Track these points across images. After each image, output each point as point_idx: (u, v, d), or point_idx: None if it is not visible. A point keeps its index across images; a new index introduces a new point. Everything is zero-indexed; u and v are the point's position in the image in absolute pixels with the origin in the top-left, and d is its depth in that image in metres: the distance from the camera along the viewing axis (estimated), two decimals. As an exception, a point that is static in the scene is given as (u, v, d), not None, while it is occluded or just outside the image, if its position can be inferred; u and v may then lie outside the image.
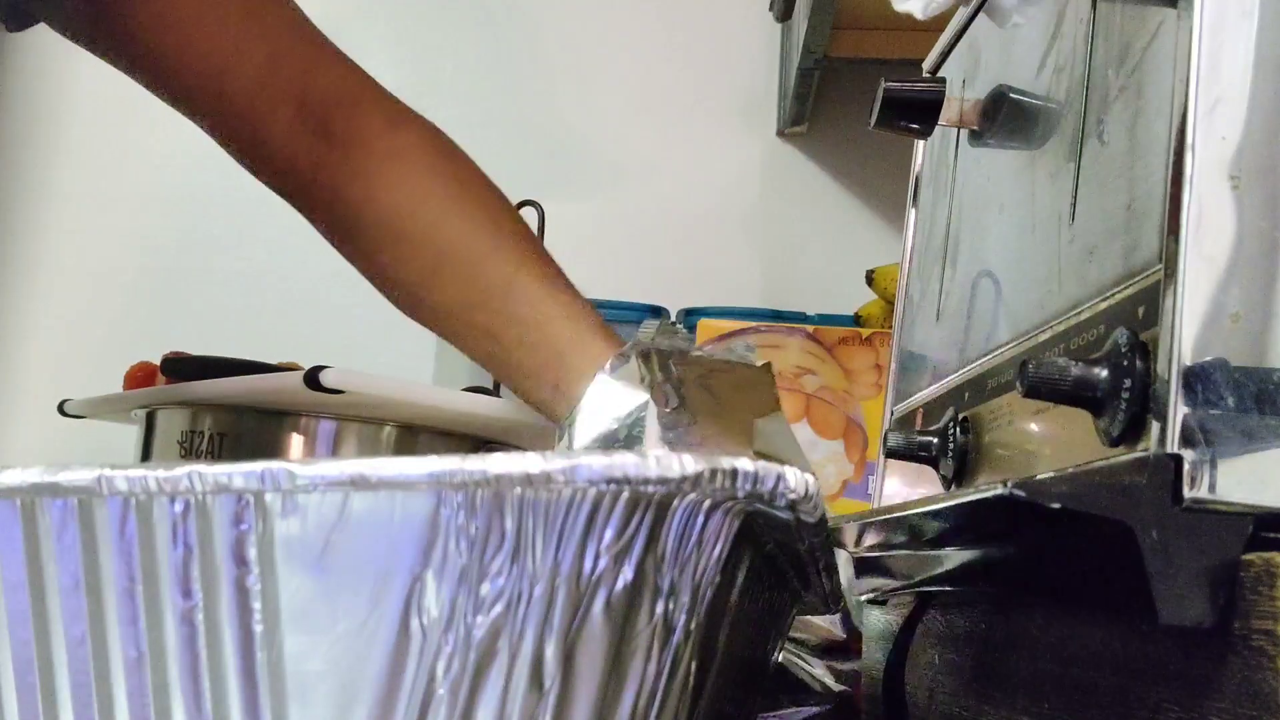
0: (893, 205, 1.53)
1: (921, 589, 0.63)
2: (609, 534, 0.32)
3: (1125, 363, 0.39)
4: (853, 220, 1.60)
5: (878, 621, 0.71)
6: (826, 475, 1.25)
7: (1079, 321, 0.44)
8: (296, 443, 1.03)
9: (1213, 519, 0.36)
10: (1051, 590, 0.48)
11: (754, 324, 1.29)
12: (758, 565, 0.40)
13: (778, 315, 1.34)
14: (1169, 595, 0.36)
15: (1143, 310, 0.39)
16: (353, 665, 0.33)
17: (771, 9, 1.60)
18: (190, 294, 1.65)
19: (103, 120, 1.66)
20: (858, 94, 1.33)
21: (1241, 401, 0.37)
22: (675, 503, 0.32)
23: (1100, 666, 0.44)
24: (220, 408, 1.05)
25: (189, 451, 1.05)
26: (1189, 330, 0.37)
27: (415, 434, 1.05)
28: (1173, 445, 0.36)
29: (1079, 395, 0.40)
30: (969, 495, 0.41)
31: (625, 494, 0.32)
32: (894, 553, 0.58)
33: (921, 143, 0.71)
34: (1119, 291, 0.41)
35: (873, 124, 0.61)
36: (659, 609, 0.33)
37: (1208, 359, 0.37)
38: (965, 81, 0.63)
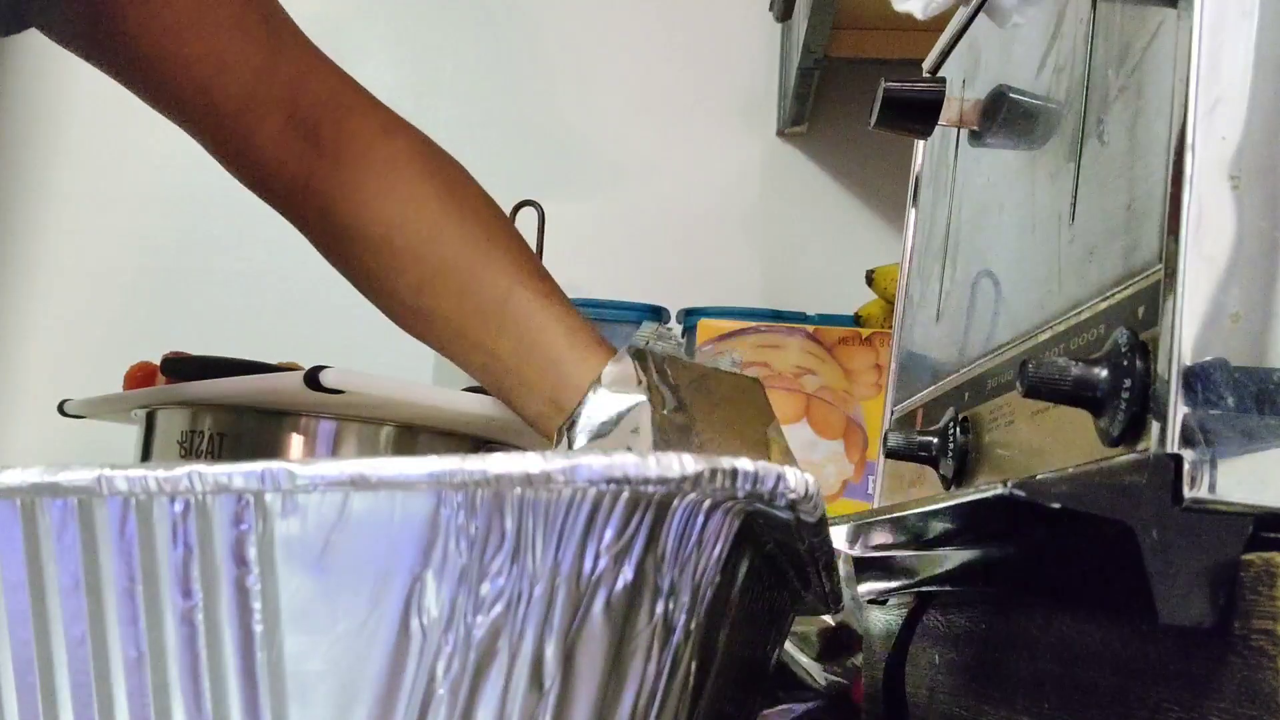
0: (893, 205, 1.53)
1: (921, 589, 0.63)
2: (609, 534, 0.32)
3: (1125, 363, 0.39)
4: (853, 220, 1.60)
5: (878, 621, 0.71)
6: (826, 475, 1.25)
7: (1079, 321, 0.44)
8: (296, 443, 1.03)
9: (1213, 519, 0.36)
10: (1051, 590, 0.48)
11: (754, 324, 1.29)
12: (758, 565, 0.40)
13: (778, 315, 1.34)
14: (1169, 595, 0.36)
15: (1143, 310, 0.39)
16: (353, 665, 0.33)
17: (771, 9, 1.60)
18: (190, 294, 1.65)
19: (102, 120, 1.66)
20: (858, 94, 1.33)
21: (1241, 401, 0.37)
22: (675, 503, 0.32)
23: (1100, 666, 0.44)
24: (220, 408, 1.05)
25: (189, 451, 1.05)
26: (1189, 330, 0.37)
27: (415, 434, 1.05)
28: (1173, 445, 0.36)
29: (1079, 395, 0.40)
30: (969, 495, 0.41)
31: (625, 494, 0.32)
32: (894, 553, 0.58)
33: (921, 143, 0.71)
34: (1119, 291, 0.41)
35: (873, 124, 0.61)
36: (659, 609, 0.33)
37: (1208, 359, 0.37)
38: (965, 81, 0.63)
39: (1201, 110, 0.38)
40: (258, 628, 0.33)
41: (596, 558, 0.32)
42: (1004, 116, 0.57)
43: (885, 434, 0.61)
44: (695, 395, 0.71)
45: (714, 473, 0.32)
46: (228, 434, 1.05)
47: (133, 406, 1.12)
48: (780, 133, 1.62)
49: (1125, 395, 0.38)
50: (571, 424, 0.72)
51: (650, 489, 0.32)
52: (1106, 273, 0.43)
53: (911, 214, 0.72)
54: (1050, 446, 0.45)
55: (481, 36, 1.67)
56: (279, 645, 0.33)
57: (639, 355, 0.71)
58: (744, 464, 0.32)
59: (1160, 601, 0.36)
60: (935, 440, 0.56)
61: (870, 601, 0.71)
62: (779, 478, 0.32)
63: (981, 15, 0.61)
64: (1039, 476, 0.39)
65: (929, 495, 0.57)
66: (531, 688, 0.33)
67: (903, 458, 0.58)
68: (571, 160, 1.64)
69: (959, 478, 0.54)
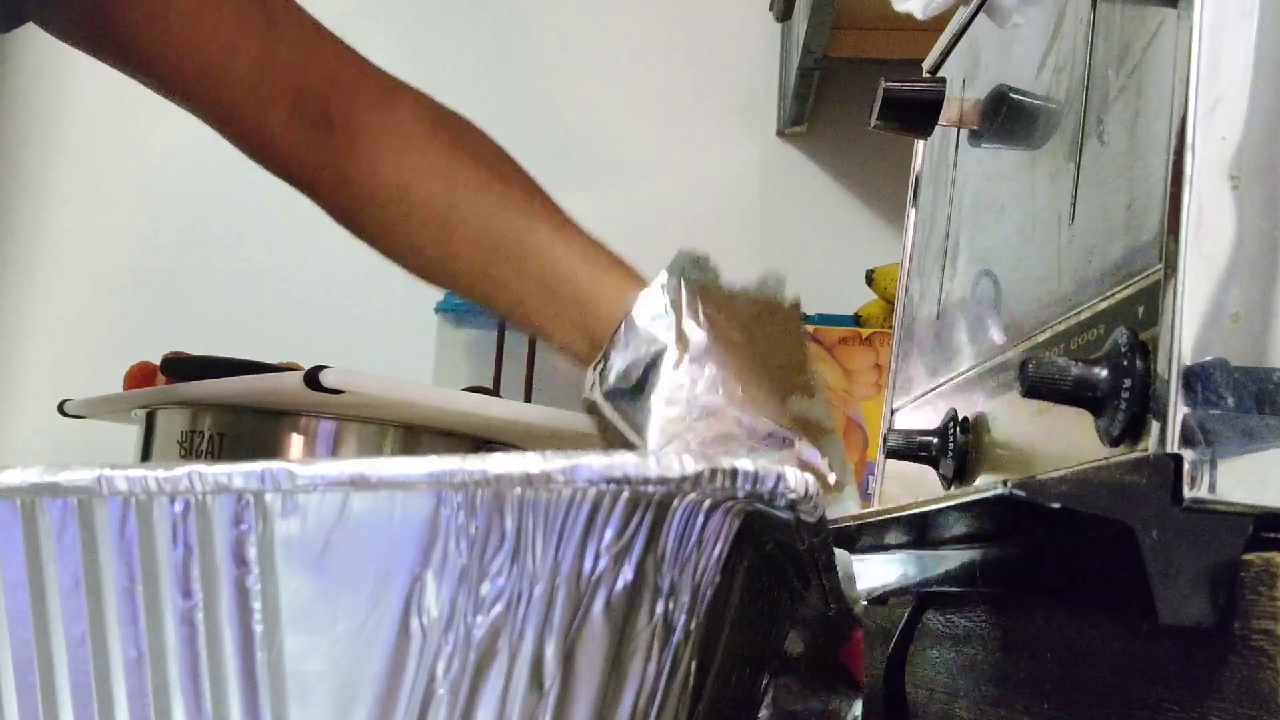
0: (893, 205, 1.53)
1: (921, 589, 0.63)
2: (609, 534, 0.32)
3: (1125, 363, 0.39)
4: (853, 220, 1.60)
5: (878, 621, 0.71)
6: (826, 475, 1.25)
7: (1079, 321, 0.44)
8: (296, 443, 1.03)
9: (1213, 519, 0.36)
10: (1051, 590, 0.48)
11: (754, 324, 1.29)
12: (758, 565, 0.40)
13: (778, 315, 1.34)
14: (1169, 595, 0.36)
15: (1143, 310, 0.39)
16: (353, 665, 0.33)
17: (771, 9, 1.60)
18: (190, 294, 1.65)
19: (102, 120, 1.66)
20: (858, 94, 1.32)
21: (1241, 401, 0.37)
22: (675, 503, 0.32)
23: (1100, 666, 0.44)
24: (220, 408, 1.05)
25: (189, 451, 1.05)
26: (1189, 330, 0.37)
27: (415, 434, 1.05)
28: (1173, 445, 0.36)
29: (1079, 395, 0.40)
30: (969, 495, 0.41)
31: (625, 494, 0.32)
32: (894, 553, 0.58)
33: (921, 143, 0.71)
34: (1119, 291, 0.41)
35: (873, 124, 0.61)
36: (659, 609, 0.33)
37: (1208, 359, 0.37)
38: (965, 81, 0.63)
39: (1201, 110, 0.38)
40: (258, 628, 0.33)
41: (596, 558, 0.32)
42: (1004, 116, 0.57)
43: (885, 434, 0.61)
44: (725, 339, 0.72)
45: (714, 473, 0.32)
46: (228, 434, 1.05)
47: (133, 406, 1.12)
48: (780, 133, 1.62)
49: (1125, 395, 0.38)
50: (604, 363, 0.74)
51: (650, 489, 0.32)
52: (1106, 273, 0.43)
53: (911, 214, 0.72)
54: (1050, 446, 0.45)
55: (481, 36, 1.68)
56: (279, 645, 0.33)
57: (673, 289, 0.73)
58: (744, 464, 0.32)
59: (1160, 601, 0.36)
60: (935, 440, 0.56)
61: (870, 601, 0.71)
62: (779, 478, 0.32)
63: (981, 15, 0.61)
64: (1039, 476, 0.39)
65: (929, 495, 0.57)
66: (531, 688, 0.33)
67: (903, 458, 0.58)
68: (571, 160, 1.64)
69: (959, 478, 0.54)
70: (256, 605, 0.33)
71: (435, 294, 1.43)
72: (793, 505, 0.33)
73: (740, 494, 0.32)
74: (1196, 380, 0.37)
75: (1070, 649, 0.47)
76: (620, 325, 0.74)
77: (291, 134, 0.81)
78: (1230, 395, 0.37)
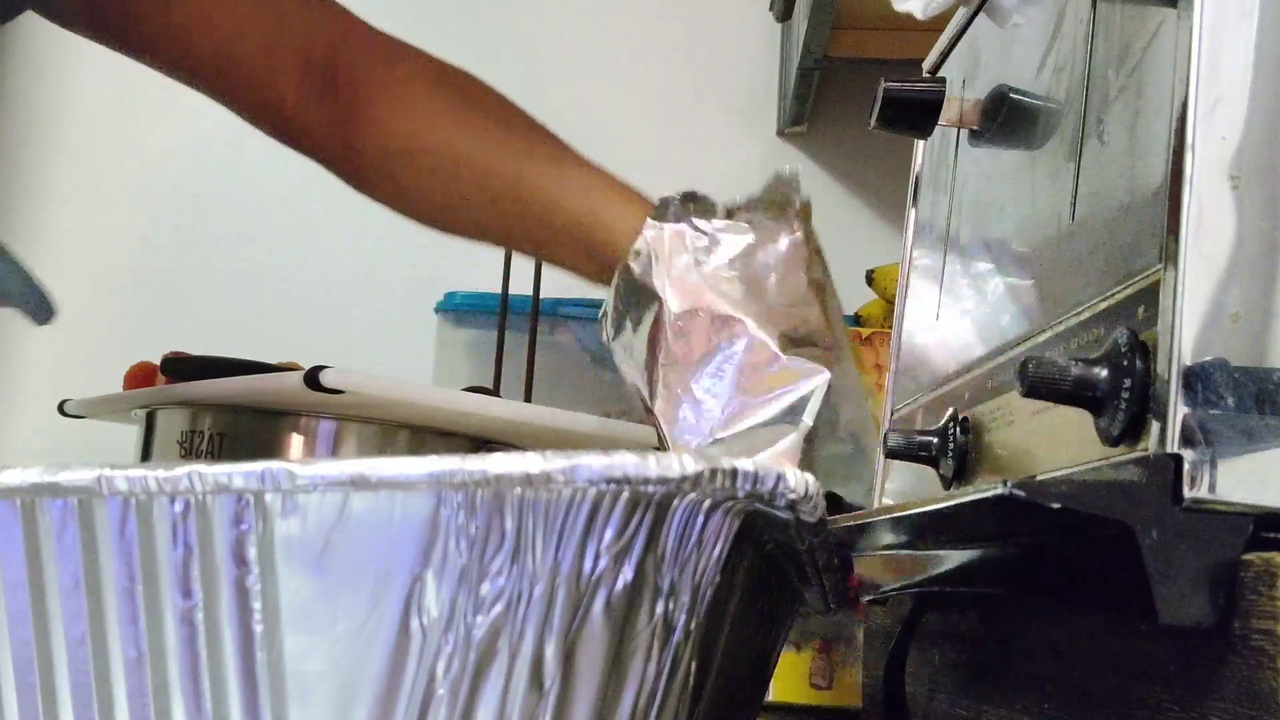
0: (893, 205, 1.53)
1: (921, 589, 0.63)
2: (609, 534, 0.32)
3: (1125, 363, 0.39)
4: (853, 220, 1.60)
5: (878, 621, 0.71)
6: (826, 475, 1.25)
7: (1079, 321, 0.44)
8: (296, 443, 1.03)
9: (1213, 519, 0.36)
10: (1051, 590, 0.48)
11: (754, 324, 1.29)
12: (758, 565, 0.40)
13: (778, 315, 1.34)
14: (1169, 595, 0.36)
15: (1143, 310, 0.39)
16: (353, 665, 0.33)
17: (771, 9, 1.60)
18: (190, 294, 1.65)
19: (102, 120, 1.66)
20: (858, 94, 1.32)
21: (1241, 401, 0.37)
22: (675, 503, 0.32)
23: (1100, 666, 0.44)
24: (220, 408, 1.05)
25: (189, 451, 1.05)
26: (1189, 330, 0.37)
27: (415, 434, 1.05)
28: (1173, 445, 0.36)
29: (1079, 395, 0.40)
30: (969, 495, 0.41)
31: (625, 494, 0.32)
32: (894, 553, 0.58)
33: (921, 143, 0.71)
34: (1119, 291, 0.41)
35: (872, 124, 0.61)
36: (659, 609, 0.33)
37: (1208, 359, 0.37)
38: (965, 81, 0.63)
39: (1201, 110, 0.38)
40: (258, 628, 0.33)
41: (596, 558, 0.32)
42: (1004, 116, 0.57)
43: (885, 434, 0.61)
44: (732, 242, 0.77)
45: (714, 473, 0.32)
46: (228, 434, 1.05)
47: (133, 406, 1.12)
48: (780, 133, 1.62)
49: (1125, 395, 0.38)
50: (619, 308, 0.79)
51: (650, 489, 0.32)
52: (1106, 273, 0.43)
53: (911, 214, 0.72)
54: (1050, 446, 0.45)
55: (480, 36, 1.67)
56: (279, 645, 0.33)
57: (675, 212, 0.78)
58: (744, 464, 0.32)
59: (1160, 601, 0.36)
60: (935, 440, 0.56)
61: (870, 601, 0.71)
62: (779, 478, 0.32)
63: (981, 15, 0.61)
64: (1039, 476, 0.39)
65: (929, 495, 0.57)
66: (531, 688, 0.33)
67: (903, 458, 0.58)
68: (571, 160, 1.63)
69: (959, 478, 0.54)
70: (256, 605, 0.33)
71: (435, 294, 1.43)
72: (793, 505, 0.33)
73: (740, 494, 0.32)
74: (1196, 380, 0.37)
75: (1070, 649, 0.47)
76: (627, 259, 0.78)
77: (302, 100, 0.84)
78: (1230, 395, 0.37)
